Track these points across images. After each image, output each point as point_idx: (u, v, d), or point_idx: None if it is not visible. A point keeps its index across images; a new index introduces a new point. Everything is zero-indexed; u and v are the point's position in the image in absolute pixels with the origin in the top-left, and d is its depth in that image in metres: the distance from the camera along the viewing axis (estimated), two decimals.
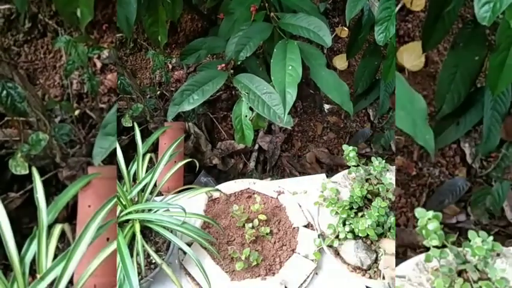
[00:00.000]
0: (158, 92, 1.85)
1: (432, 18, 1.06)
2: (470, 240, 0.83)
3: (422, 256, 0.88)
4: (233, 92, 2.01)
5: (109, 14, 1.67)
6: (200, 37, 2.09)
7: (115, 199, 0.88)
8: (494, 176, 1.21)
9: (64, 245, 1.04)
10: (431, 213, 0.81)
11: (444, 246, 0.84)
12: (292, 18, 1.45)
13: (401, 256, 1.33)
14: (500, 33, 0.91)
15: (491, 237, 0.83)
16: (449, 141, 1.17)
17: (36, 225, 0.76)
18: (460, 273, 0.85)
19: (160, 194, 1.40)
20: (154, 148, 1.53)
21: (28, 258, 0.74)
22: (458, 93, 1.10)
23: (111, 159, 1.19)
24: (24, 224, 0.79)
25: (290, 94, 1.27)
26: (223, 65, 1.45)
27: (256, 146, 1.89)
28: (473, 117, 1.13)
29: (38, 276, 0.71)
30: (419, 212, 0.83)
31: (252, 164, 1.84)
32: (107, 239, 0.96)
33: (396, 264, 0.97)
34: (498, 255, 0.87)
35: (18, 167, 1.05)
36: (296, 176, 1.79)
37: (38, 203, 0.76)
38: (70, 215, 1.12)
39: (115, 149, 1.16)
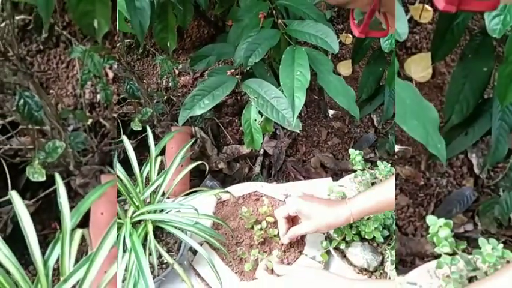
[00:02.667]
0: (165, 97, 1.87)
1: (441, 31, 1.08)
2: (480, 248, 0.85)
3: (433, 263, 0.90)
4: (239, 98, 2.04)
5: None
6: (206, 43, 2.12)
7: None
8: (503, 186, 1.23)
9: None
10: (442, 220, 0.83)
11: (454, 253, 0.86)
12: (299, 25, 1.47)
13: (409, 265, 1.35)
14: (509, 45, 0.93)
15: (501, 245, 0.85)
16: (457, 152, 1.19)
17: (58, 230, 0.78)
18: (470, 279, 0.87)
19: (167, 197, 1.42)
20: (161, 152, 1.55)
21: (52, 261, 0.76)
22: (467, 103, 1.12)
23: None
24: (37, 231, 0.81)
25: (299, 98, 1.29)
26: (232, 70, 1.47)
27: (262, 151, 1.91)
28: (482, 128, 1.15)
29: (62, 278, 0.73)
30: (430, 219, 0.85)
31: (257, 169, 1.86)
32: None
33: (404, 272, 0.99)
34: (508, 262, 0.89)
35: (36, 173, 1.06)
36: (301, 180, 1.81)
37: (61, 208, 0.77)
38: (81, 221, 1.13)
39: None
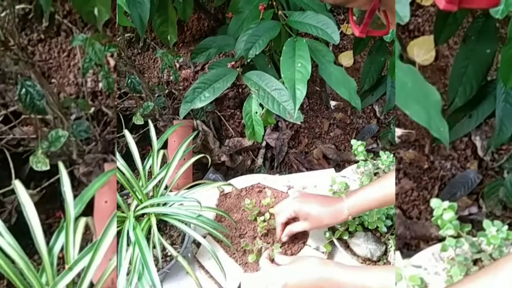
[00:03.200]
0: (167, 91, 1.87)
1: (443, 13, 1.07)
2: (485, 230, 0.85)
3: (438, 246, 0.90)
4: (240, 90, 2.03)
5: None
6: (206, 36, 2.12)
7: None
8: (507, 168, 1.23)
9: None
10: (446, 203, 0.83)
11: (459, 236, 0.86)
12: (300, 16, 1.47)
13: (414, 248, 1.35)
14: None
15: (506, 227, 0.85)
16: (461, 134, 1.19)
17: (62, 218, 0.78)
18: (475, 262, 0.87)
19: (170, 191, 1.42)
20: (163, 146, 1.55)
21: (56, 250, 0.76)
22: (470, 86, 1.11)
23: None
24: (41, 220, 0.80)
25: (300, 90, 1.29)
26: (233, 62, 1.47)
27: (264, 143, 1.91)
28: (485, 110, 1.15)
29: (67, 266, 0.73)
30: (434, 202, 0.84)
31: (259, 161, 1.86)
32: None
33: (409, 256, 0.99)
34: None
35: (39, 163, 1.06)
36: (303, 172, 1.81)
37: (65, 196, 0.77)
38: (85, 210, 1.14)
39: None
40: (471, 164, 1.56)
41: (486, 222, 0.85)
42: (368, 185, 1.06)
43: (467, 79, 1.10)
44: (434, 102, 0.81)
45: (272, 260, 1.10)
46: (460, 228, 0.84)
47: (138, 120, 1.57)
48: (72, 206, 0.77)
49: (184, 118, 1.54)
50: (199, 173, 1.73)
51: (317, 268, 0.92)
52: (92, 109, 1.35)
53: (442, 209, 0.83)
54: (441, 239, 0.87)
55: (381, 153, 1.38)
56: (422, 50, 1.47)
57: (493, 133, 1.12)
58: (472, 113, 1.16)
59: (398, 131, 1.67)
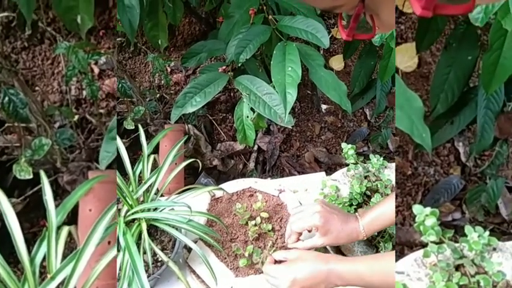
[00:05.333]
0: (158, 95, 1.87)
1: (425, 20, 1.08)
2: (466, 236, 0.86)
3: (420, 252, 0.91)
4: (231, 94, 2.04)
5: (105, 20, 1.69)
6: (198, 40, 2.12)
7: (115, 205, 0.90)
8: (489, 174, 1.24)
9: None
10: (428, 209, 0.84)
11: (441, 242, 0.87)
12: (290, 20, 1.48)
13: (398, 254, 1.36)
14: (493, 33, 0.94)
15: (487, 232, 0.85)
16: (443, 140, 1.20)
17: (45, 227, 0.78)
18: (457, 267, 0.87)
19: (161, 195, 1.42)
20: (154, 150, 1.55)
21: (38, 259, 0.76)
22: (452, 92, 1.12)
23: (110, 163, 1.21)
24: (25, 229, 0.81)
25: (290, 94, 1.30)
26: (224, 67, 1.47)
27: (256, 147, 1.92)
28: (467, 116, 1.16)
29: (49, 276, 0.73)
30: (416, 208, 0.85)
31: (251, 165, 1.86)
32: (109, 243, 0.98)
33: None
34: (494, 249, 0.89)
35: (22, 171, 1.06)
36: (295, 175, 1.81)
37: (46, 205, 0.78)
38: (70, 219, 1.14)
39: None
40: (454, 169, 1.56)
41: (468, 228, 0.86)
42: (379, 204, 1.07)
43: (449, 86, 1.11)
44: (416, 109, 0.82)
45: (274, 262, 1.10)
46: (442, 234, 0.84)
47: (129, 124, 1.56)
48: (54, 214, 0.77)
49: (176, 122, 1.55)
50: (190, 177, 1.73)
51: (319, 261, 0.97)
52: (76, 117, 1.35)
53: (424, 215, 0.84)
54: (425, 245, 0.88)
55: (371, 156, 1.39)
56: (405, 57, 1.49)
57: (475, 139, 1.13)
58: (454, 119, 1.17)
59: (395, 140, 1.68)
